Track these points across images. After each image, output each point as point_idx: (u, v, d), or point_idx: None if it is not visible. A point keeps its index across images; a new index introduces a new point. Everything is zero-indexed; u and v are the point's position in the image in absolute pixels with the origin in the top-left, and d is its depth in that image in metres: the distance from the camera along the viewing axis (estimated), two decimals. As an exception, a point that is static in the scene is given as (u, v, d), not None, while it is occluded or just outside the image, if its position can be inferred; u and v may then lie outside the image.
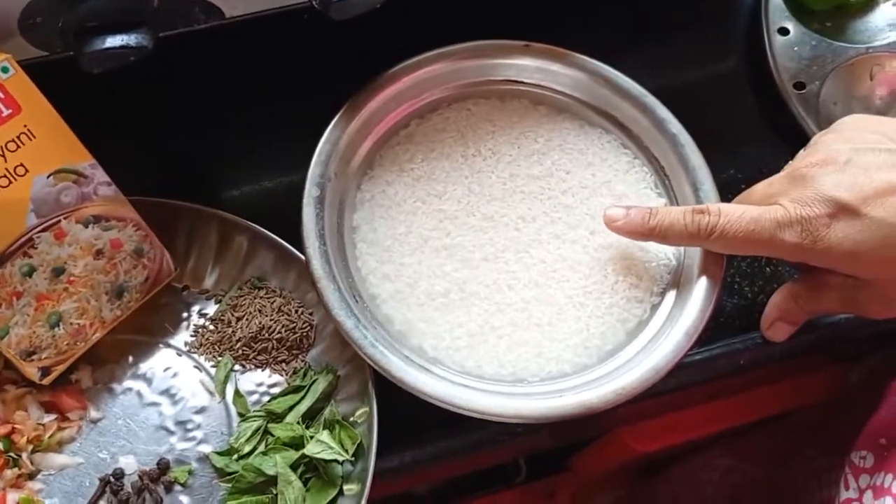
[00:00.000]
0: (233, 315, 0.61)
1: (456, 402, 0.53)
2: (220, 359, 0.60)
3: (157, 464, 0.57)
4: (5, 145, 0.53)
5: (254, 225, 0.61)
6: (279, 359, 0.60)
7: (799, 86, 0.69)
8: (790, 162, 0.57)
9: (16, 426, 0.57)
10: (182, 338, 0.61)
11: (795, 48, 0.71)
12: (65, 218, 0.56)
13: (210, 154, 0.68)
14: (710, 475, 0.82)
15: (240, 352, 0.60)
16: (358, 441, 0.55)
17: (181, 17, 0.56)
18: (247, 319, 0.60)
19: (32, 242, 0.55)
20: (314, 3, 0.57)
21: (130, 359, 0.60)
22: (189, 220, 0.62)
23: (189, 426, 0.58)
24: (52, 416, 0.58)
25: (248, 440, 0.57)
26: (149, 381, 0.60)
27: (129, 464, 0.57)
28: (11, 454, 0.56)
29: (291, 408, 0.57)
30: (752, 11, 0.74)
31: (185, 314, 0.62)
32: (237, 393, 0.59)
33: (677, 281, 0.59)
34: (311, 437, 0.55)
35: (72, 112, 0.55)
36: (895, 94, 0.70)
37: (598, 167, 0.64)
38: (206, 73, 0.69)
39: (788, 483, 0.72)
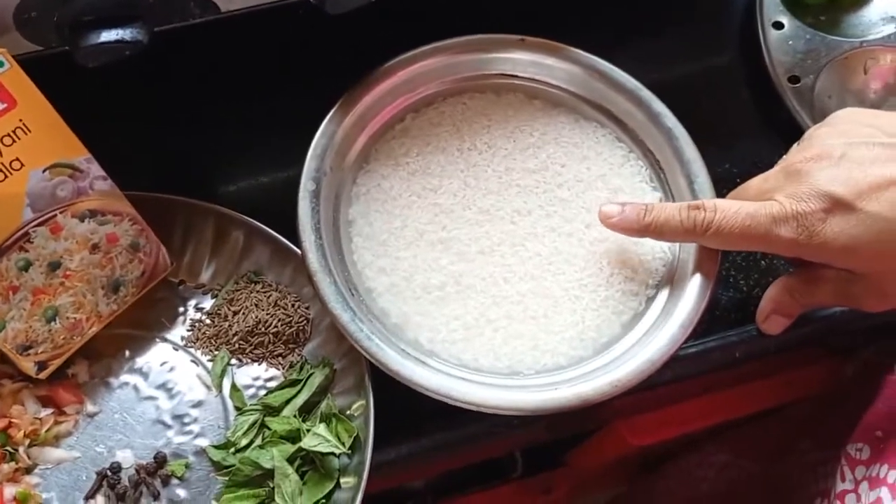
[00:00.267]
0: (229, 309, 0.61)
1: (452, 394, 0.53)
2: (216, 353, 0.60)
3: (154, 457, 0.57)
4: (1, 140, 0.53)
5: (250, 219, 0.62)
6: (276, 353, 0.60)
7: (793, 80, 0.69)
8: (784, 156, 0.57)
9: (12, 420, 0.57)
10: (178, 332, 0.61)
11: (790, 42, 0.71)
12: (61, 212, 0.56)
13: (206, 149, 0.68)
14: (705, 472, 0.82)
15: (236, 346, 0.60)
16: (354, 434, 0.55)
17: (177, 12, 0.57)
18: (243, 313, 0.60)
19: (28, 237, 0.55)
20: (309, -3, 0.57)
21: (127, 353, 0.60)
22: (185, 215, 0.62)
23: (186, 420, 0.58)
24: (49, 411, 0.58)
25: (244, 434, 0.57)
26: (145, 375, 0.60)
27: (126, 458, 0.57)
28: (8, 448, 0.56)
29: (288, 401, 0.58)
30: (747, 5, 0.74)
31: (181, 308, 0.62)
32: (234, 387, 0.59)
33: (672, 274, 0.59)
34: (308, 431, 0.55)
35: (67, 106, 0.55)
36: (889, 87, 0.70)
37: (594, 161, 0.64)
38: (202, 68, 0.69)
39: (784, 478, 0.72)
